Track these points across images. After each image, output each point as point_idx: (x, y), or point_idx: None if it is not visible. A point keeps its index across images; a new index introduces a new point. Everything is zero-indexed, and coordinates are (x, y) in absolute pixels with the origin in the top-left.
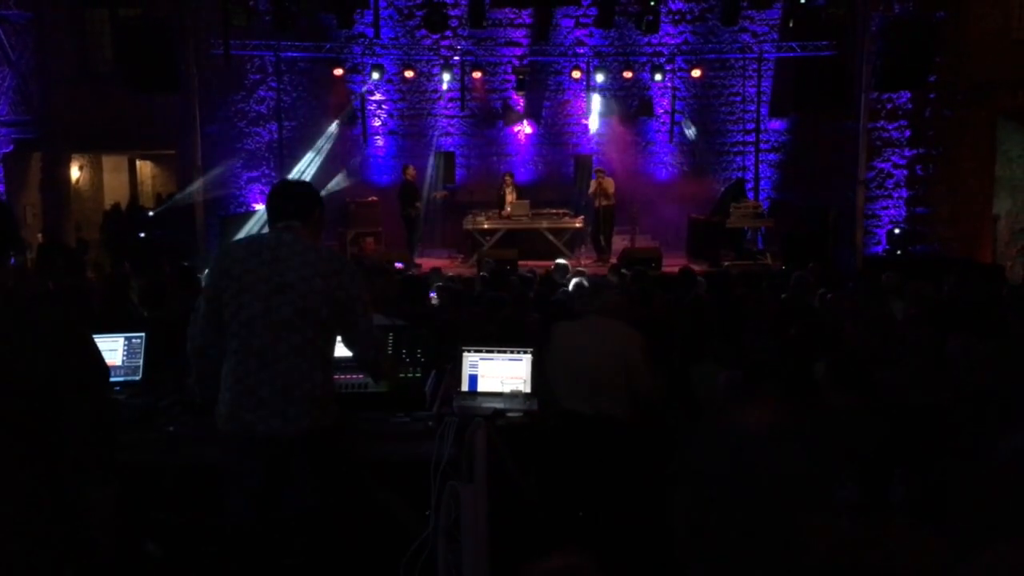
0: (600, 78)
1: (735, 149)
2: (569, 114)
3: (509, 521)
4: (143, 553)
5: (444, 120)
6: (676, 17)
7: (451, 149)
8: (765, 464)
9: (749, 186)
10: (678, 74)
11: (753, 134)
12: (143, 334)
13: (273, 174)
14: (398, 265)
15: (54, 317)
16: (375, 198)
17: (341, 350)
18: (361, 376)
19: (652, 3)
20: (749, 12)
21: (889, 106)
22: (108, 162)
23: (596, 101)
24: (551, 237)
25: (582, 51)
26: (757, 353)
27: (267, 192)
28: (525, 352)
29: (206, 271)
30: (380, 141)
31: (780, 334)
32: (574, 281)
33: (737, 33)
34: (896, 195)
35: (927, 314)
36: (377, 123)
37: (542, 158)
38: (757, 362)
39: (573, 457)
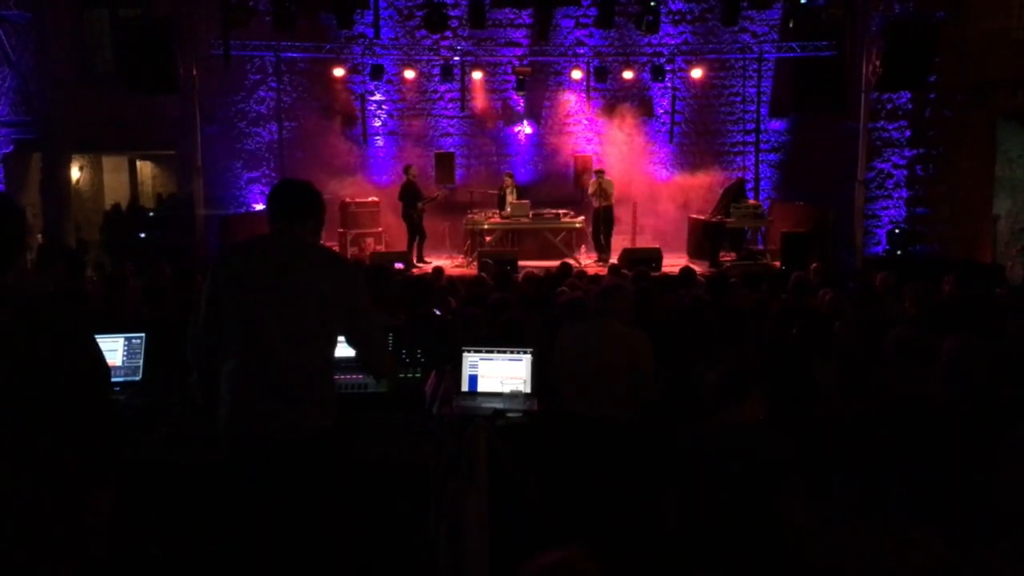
0: (600, 78)
1: (735, 149)
2: (569, 114)
3: (509, 521)
4: (143, 553)
5: (444, 120)
6: (676, 17)
7: (451, 149)
8: (756, 459)
9: (749, 186)
10: (678, 74)
11: (753, 134)
12: (143, 334)
13: (273, 174)
14: (398, 265)
15: (56, 318)
16: (375, 198)
17: (341, 350)
18: (361, 376)
19: (652, 3)
20: (749, 12)
21: (889, 106)
22: (108, 162)
23: (596, 102)
24: (551, 237)
25: (582, 51)
26: (751, 353)
27: (267, 192)
28: (525, 352)
29: (208, 272)
30: (380, 141)
31: (780, 334)
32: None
33: (737, 33)
34: (896, 195)
35: (926, 314)
36: (377, 123)
37: (542, 158)
38: (747, 361)
39: (574, 458)
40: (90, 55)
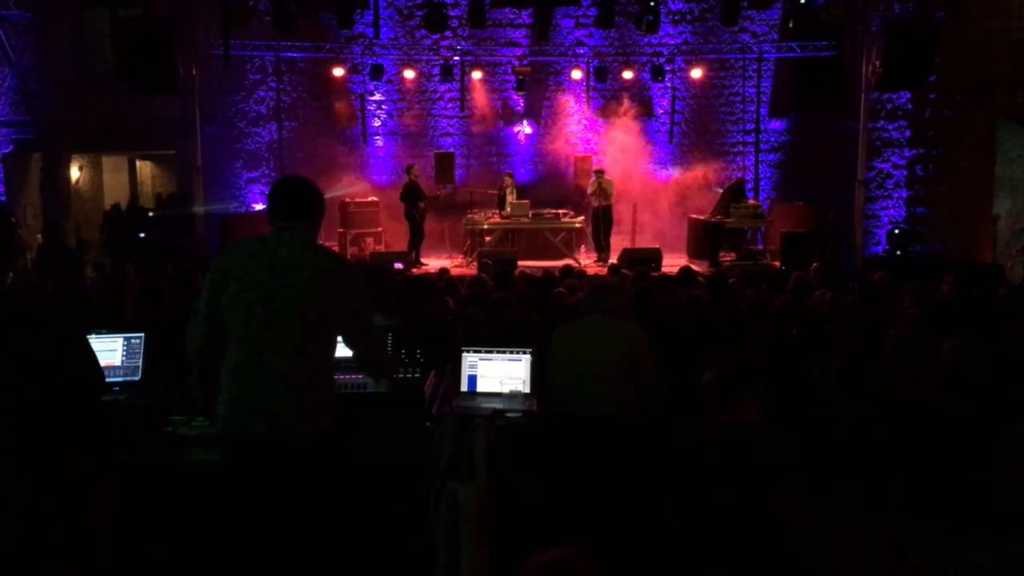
0: (600, 78)
1: (735, 149)
2: (569, 114)
3: (509, 522)
4: (143, 554)
5: (444, 120)
6: (676, 17)
7: (451, 149)
8: (755, 459)
9: (749, 186)
10: (678, 74)
11: (753, 134)
12: (143, 334)
13: (273, 174)
14: (397, 265)
15: (55, 318)
16: (375, 198)
17: (340, 350)
18: (360, 376)
19: (652, 3)
20: (749, 12)
21: (889, 106)
22: (108, 162)
23: (596, 102)
24: (551, 237)
25: (582, 51)
26: (750, 353)
27: (267, 192)
28: (524, 352)
29: (207, 272)
30: (380, 141)
31: (780, 335)
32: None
33: (737, 33)
34: (896, 195)
35: (926, 314)
36: (377, 123)
37: (542, 158)
38: (746, 362)
39: (574, 458)
40: (90, 55)
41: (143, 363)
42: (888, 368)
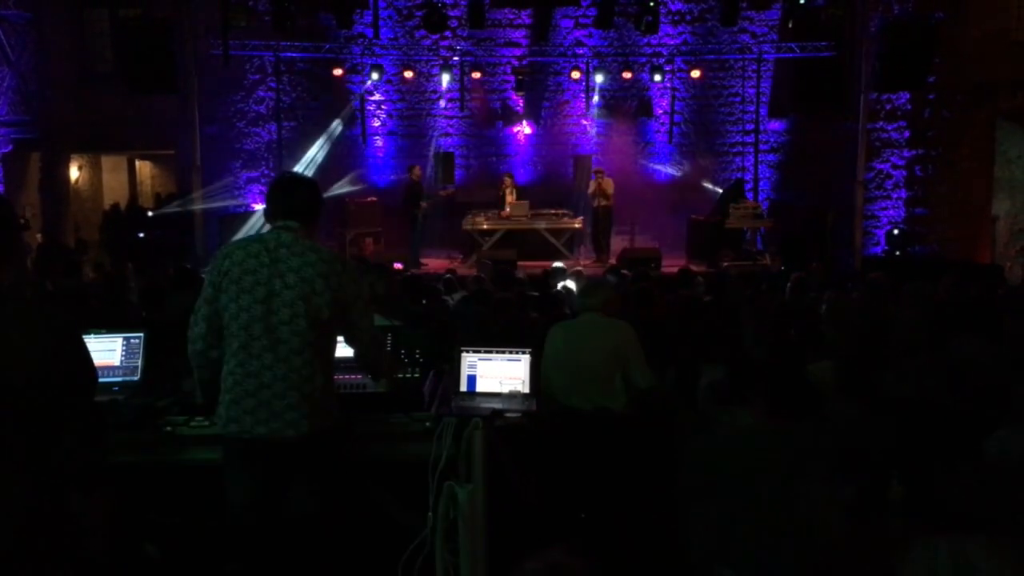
0: (599, 79)
1: (734, 150)
2: (568, 115)
3: (508, 522)
4: (141, 555)
5: (443, 120)
6: (675, 18)
7: (450, 149)
8: (760, 462)
9: (748, 187)
10: (677, 75)
11: (752, 135)
12: (142, 334)
13: (272, 175)
14: (397, 265)
15: (49, 320)
16: (374, 198)
17: (340, 350)
18: (360, 376)
19: (651, 4)
20: (748, 13)
21: (888, 107)
22: (107, 162)
23: (595, 102)
24: (550, 237)
25: (581, 52)
26: (749, 354)
27: (266, 190)
28: (524, 352)
29: (206, 271)
30: (379, 141)
31: (779, 335)
32: (561, 284)
33: (736, 34)
34: (895, 196)
35: (923, 314)
36: (376, 123)
37: (541, 159)
38: (744, 362)
39: (572, 455)
40: (90, 55)
41: (142, 363)
42: (887, 368)
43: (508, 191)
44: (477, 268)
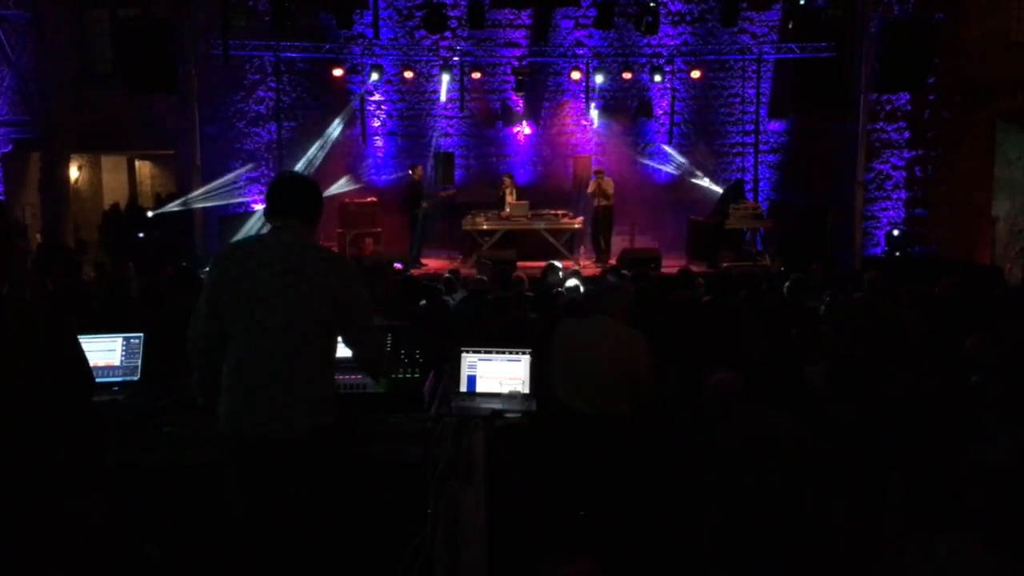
0: (599, 79)
1: (734, 150)
2: (568, 115)
3: (508, 522)
4: (141, 555)
5: (443, 121)
6: (675, 18)
7: (450, 150)
8: (768, 466)
9: (748, 187)
10: (677, 75)
11: (752, 135)
12: (142, 334)
13: (272, 175)
14: (397, 266)
15: (46, 323)
16: (374, 199)
17: (340, 350)
18: (360, 376)
19: (651, 4)
20: (748, 13)
21: (888, 107)
22: (107, 162)
23: (595, 102)
24: (550, 238)
25: (581, 52)
26: (748, 355)
27: (266, 190)
28: (523, 353)
29: (206, 270)
30: (379, 142)
31: (778, 336)
32: (572, 282)
33: (736, 34)
34: (895, 196)
35: (923, 315)
36: (376, 124)
37: (541, 159)
38: (754, 364)
39: (572, 457)
40: (90, 55)
41: (142, 363)
42: (885, 368)
43: (508, 191)
44: (477, 268)
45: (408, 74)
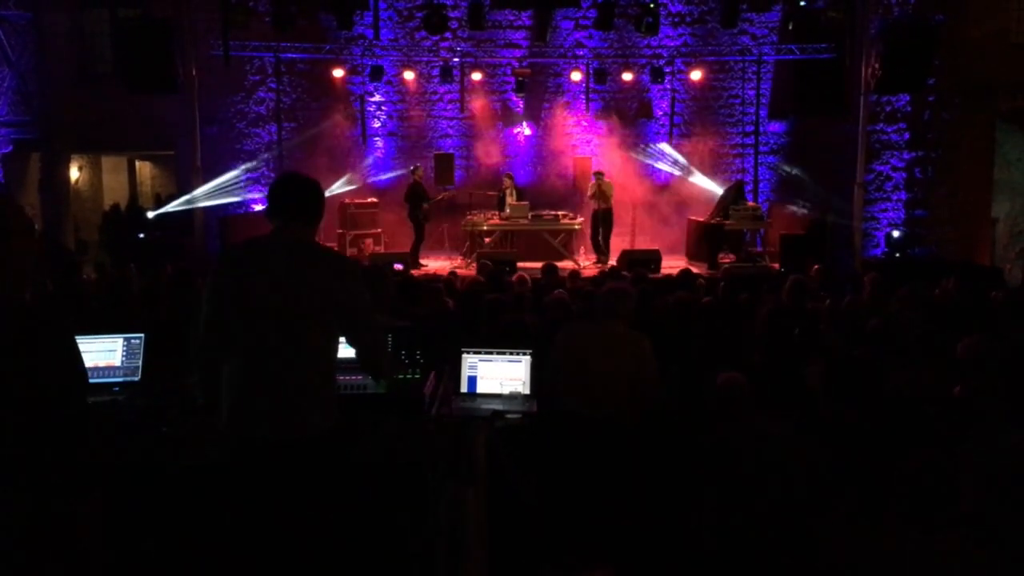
0: (599, 80)
1: (734, 151)
2: (568, 116)
3: (508, 523)
4: (142, 555)
5: (443, 122)
6: (675, 19)
7: (450, 150)
8: (775, 468)
9: (748, 188)
10: (677, 76)
11: (752, 136)
12: (142, 335)
13: (272, 175)
14: (397, 266)
15: (43, 326)
16: (374, 199)
17: (340, 351)
18: (361, 377)
19: (651, 5)
20: (748, 15)
21: (888, 109)
22: (107, 163)
23: (595, 103)
24: (550, 238)
25: (581, 53)
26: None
27: (267, 190)
28: (524, 354)
29: (208, 272)
30: (379, 142)
31: (778, 337)
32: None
33: (736, 35)
34: (895, 198)
35: (922, 316)
36: (376, 124)
37: (541, 160)
38: (754, 365)
39: (573, 459)
40: (90, 55)
41: (143, 363)
42: (885, 369)
43: (508, 192)
44: (476, 269)
45: (408, 75)
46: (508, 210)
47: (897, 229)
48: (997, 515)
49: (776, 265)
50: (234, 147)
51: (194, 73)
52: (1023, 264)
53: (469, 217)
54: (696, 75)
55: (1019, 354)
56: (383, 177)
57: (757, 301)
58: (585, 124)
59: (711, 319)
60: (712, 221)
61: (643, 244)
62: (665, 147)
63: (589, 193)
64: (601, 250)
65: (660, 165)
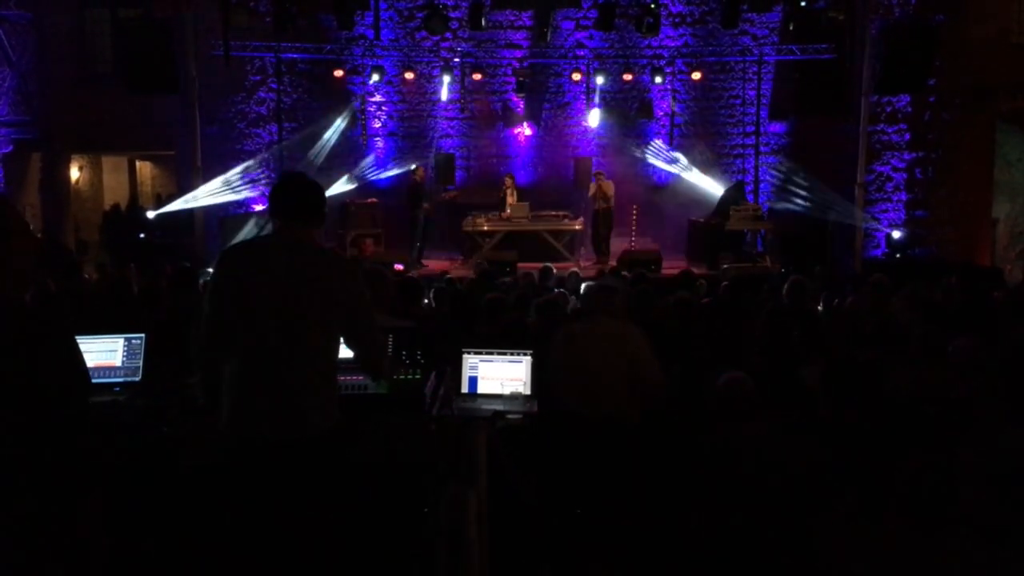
0: (600, 80)
1: (735, 152)
2: (569, 116)
3: (508, 523)
4: (142, 555)
5: (444, 122)
6: (676, 20)
7: (451, 151)
8: (772, 467)
9: (748, 188)
10: (678, 77)
11: (753, 137)
12: (143, 335)
13: (273, 176)
14: (398, 266)
15: (43, 326)
16: (375, 199)
17: (340, 351)
18: (361, 378)
19: (652, 6)
20: (749, 15)
21: (889, 109)
22: (108, 163)
23: (596, 104)
24: (551, 239)
25: (582, 53)
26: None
27: (269, 191)
28: (525, 354)
29: (208, 272)
30: (380, 143)
31: (779, 338)
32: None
33: (737, 36)
34: (895, 198)
35: (922, 317)
36: (377, 125)
37: (542, 160)
38: (754, 366)
39: (574, 459)
40: (90, 55)
41: (143, 364)
42: (885, 370)
43: (509, 192)
44: (475, 270)
45: (409, 75)
46: (509, 211)
47: (898, 230)
48: (997, 515)
49: (776, 266)
50: (234, 147)
51: (194, 73)
52: (1023, 264)
53: (469, 217)
54: (697, 75)
55: (1019, 354)
56: (383, 177)
57: (757, 301)
58: (585, 125)
59: (711, 319)
60: (713, 222)
61: (643, 245)
62: (665, 147)
63: (589, 193)
64: (601, 251)
65: (660, 165)
